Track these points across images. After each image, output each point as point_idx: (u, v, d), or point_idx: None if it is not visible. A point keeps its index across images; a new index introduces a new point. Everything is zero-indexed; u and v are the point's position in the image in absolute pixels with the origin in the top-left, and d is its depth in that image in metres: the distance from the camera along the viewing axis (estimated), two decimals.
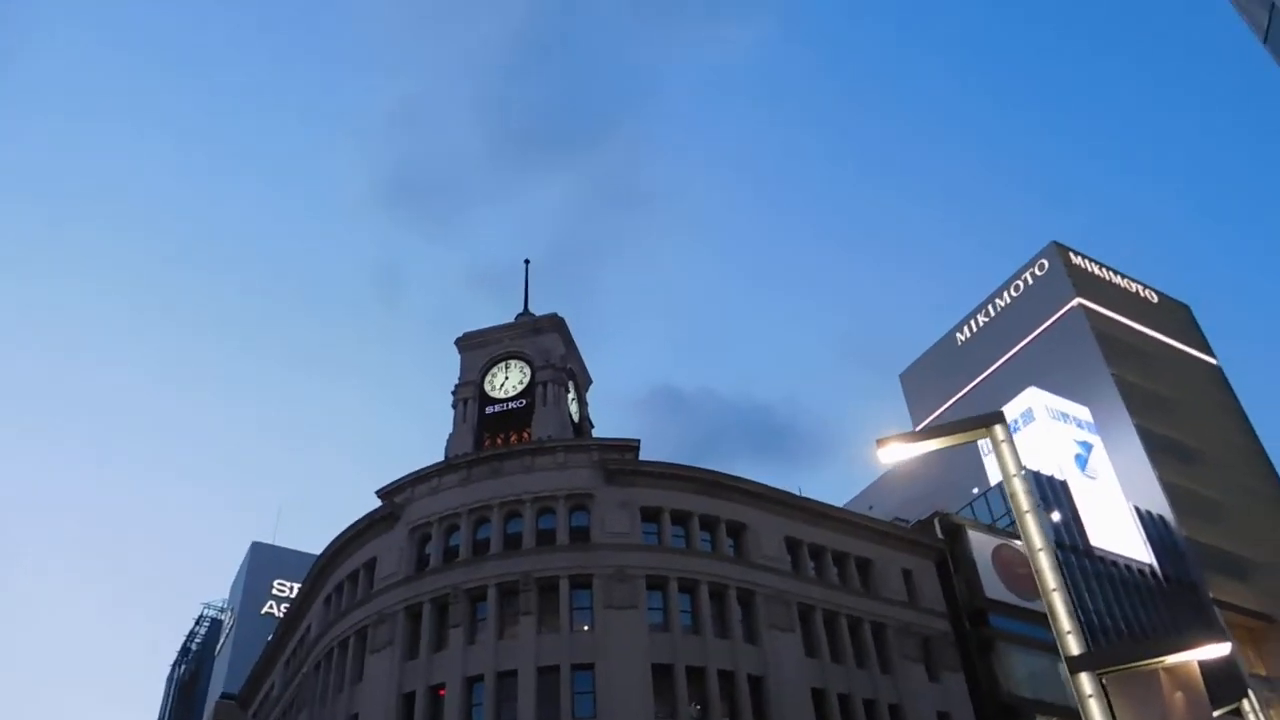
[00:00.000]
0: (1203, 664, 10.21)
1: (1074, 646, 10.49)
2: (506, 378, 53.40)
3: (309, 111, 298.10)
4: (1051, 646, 51.32)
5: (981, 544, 53.27)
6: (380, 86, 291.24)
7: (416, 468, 47.95)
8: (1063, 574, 11.22)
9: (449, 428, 52.91)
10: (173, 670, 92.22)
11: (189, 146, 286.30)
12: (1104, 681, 10.35)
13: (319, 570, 51.83)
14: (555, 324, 55.52)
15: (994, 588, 51.41)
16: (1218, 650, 10.13)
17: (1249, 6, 21.55)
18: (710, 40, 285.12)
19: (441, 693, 40.70)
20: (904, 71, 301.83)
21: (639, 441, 47.61)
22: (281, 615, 76.81)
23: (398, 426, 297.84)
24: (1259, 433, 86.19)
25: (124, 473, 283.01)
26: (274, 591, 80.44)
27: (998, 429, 11.14)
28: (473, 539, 45.21)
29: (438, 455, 51.90)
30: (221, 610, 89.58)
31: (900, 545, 51.67)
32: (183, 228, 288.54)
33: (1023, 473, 11.04)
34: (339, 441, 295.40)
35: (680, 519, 45.89)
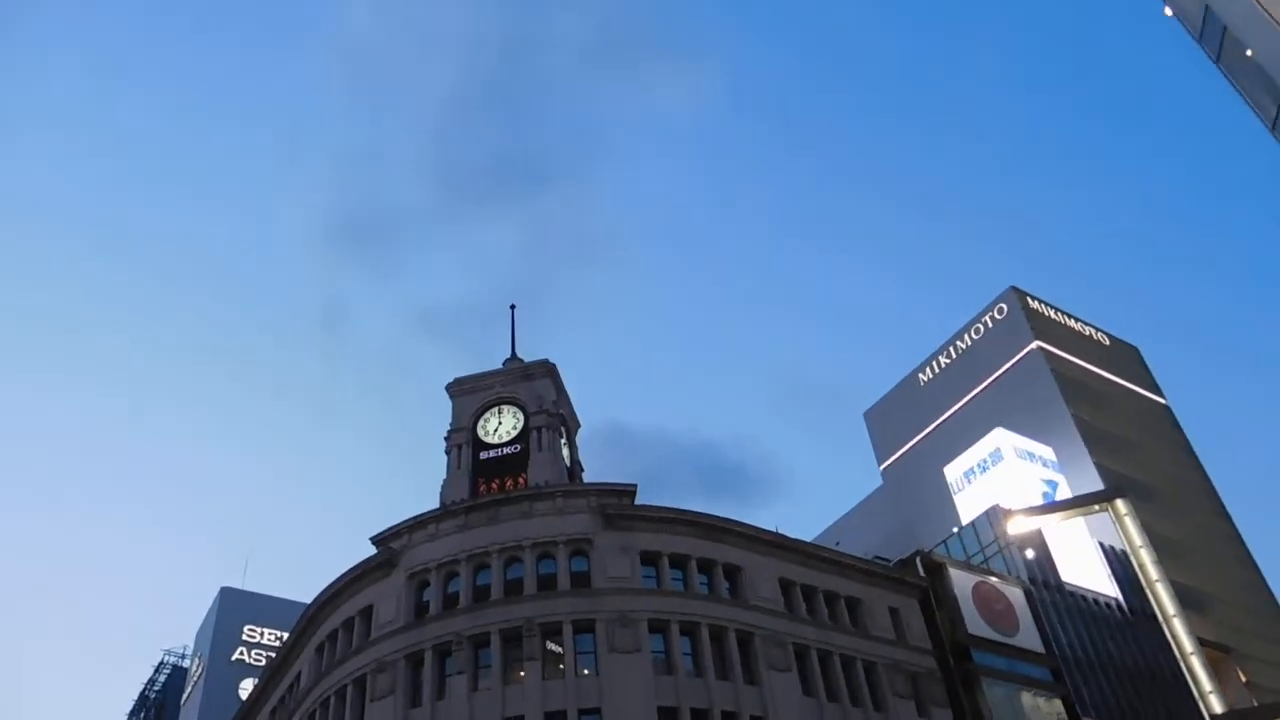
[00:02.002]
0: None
1: (1217, 706, 11.54)
2: (500, 423, 53.81)
3: (254, 153, 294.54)
4: (1027, 680, 52.43)
5: (962, 581, 54.83)
6: (328, 130, 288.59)
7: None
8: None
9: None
10: None
11: (133, 177, 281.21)
12: None
13: (310, 618, 51.36)
14: (547, 370, 56.18)
15: (975, 624, 52.94)
16: None
17: (1258, 96, 23.00)
18: (657, 92, 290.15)
19: None
20: (853, 126, 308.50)
21: (636, 486, 48.35)
22: (253, 662, 75.57)
23: (352, 468, 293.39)
24: (1208, 470, 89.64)
25: (74, 515, 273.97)
26: (245, 638, 79.01)
27: (1119, 503, 12.26)
28: (473, 585, 45.43)
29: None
30: (183, 657, 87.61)
31: (886, 584, 52.93)
32: (142, 258, 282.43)
33: (1147, 544, 12.05)
34: (292, 485, 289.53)
35: (678, 562, 46.68)
